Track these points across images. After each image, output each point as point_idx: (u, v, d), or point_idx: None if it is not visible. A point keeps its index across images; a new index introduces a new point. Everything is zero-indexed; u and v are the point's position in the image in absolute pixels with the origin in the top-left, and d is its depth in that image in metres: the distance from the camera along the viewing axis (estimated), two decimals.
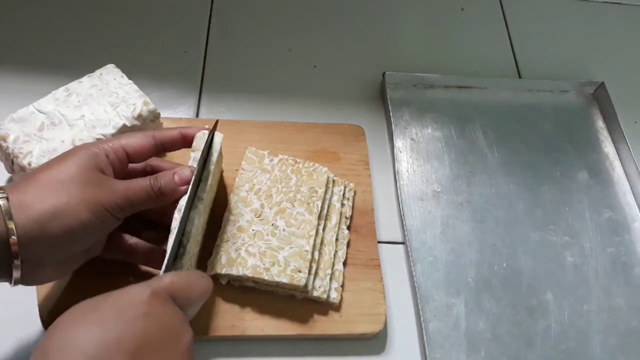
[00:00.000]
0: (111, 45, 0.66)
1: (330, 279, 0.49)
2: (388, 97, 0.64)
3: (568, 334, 0.53)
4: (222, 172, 0.54)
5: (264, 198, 0.51)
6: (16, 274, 0.37)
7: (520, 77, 0.71)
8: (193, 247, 0.43)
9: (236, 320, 0.47)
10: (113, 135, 0.50)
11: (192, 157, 0.44)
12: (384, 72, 0.66)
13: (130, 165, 0.44)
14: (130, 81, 0.53)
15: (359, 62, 0.70)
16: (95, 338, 0.30)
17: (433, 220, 0.58)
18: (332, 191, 0.54)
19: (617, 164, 0.65)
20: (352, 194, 0.56)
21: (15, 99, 0.54)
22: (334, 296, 0.49)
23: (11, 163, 0.49)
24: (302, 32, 0.71)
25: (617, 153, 0.66)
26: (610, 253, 0.58)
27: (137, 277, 0.45)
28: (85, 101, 0.51)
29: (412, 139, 0.64)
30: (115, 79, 0.53)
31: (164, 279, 0.36)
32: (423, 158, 0.62)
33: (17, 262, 0.36)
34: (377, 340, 0.50)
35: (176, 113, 0.62)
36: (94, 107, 0.51)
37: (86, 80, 0.53)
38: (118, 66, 0.54)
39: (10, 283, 0.38)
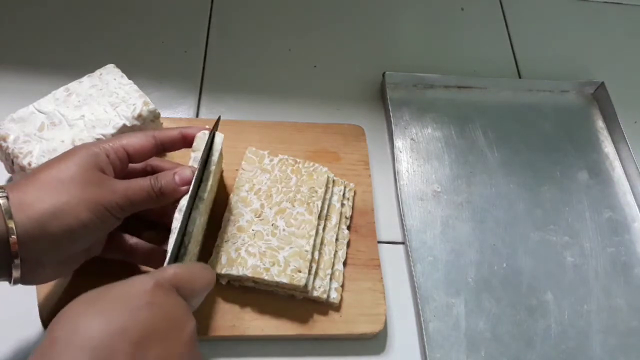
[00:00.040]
0: (111, 45, 0.66)
1: (330, 279, 0.49)
2: (388, 97, 0.64)
3: (568, 334, 0.53)
4: (222, 172, 0.54)
5: (264, 198, 0.51)
6: (16, 273, 0.37)
7: (520, 77, 0.71)
8: (193, 247, 0.43)
9: (236, 320, 0.47)
10: (113, 135, 0.50)
11: (193, 157, 0.44)
12: (384, 72, 0.66)
13: (131, 165, 0.44)
14: (130, 81, 0.53)
15: (359, 62, 0.70)
16: (100, 327, 0.31)
17: (433, 220, 0.58)
18: (332, 191, 0.54)
19: (617, 164, 0.65)
20: (352, 194, 0.56)
21: (15, 99, 0.54)
22: (334, 296, 0.49)
23: (11, 163, 0.49)
24: (302, 32, 0.71)
25: (617, 153, 0.66)
26: (610, 253, 0.58)
27: None
28: (85, 101, 0.51)
29: (412, 139, 0.64)
30: (115, 79, 0.53)
31: (168, 270, 0.36)
32: (423, 158, 0.62)
33: (16, 261, 0.36)
34: (377, 340, 0.50)
35: (176, 113, 0.62)
36: (94, 107, 0.51)
37: (86, 80, 0.53)
38: (118, 66, 0.54)
39: (10, 282, 0.38)
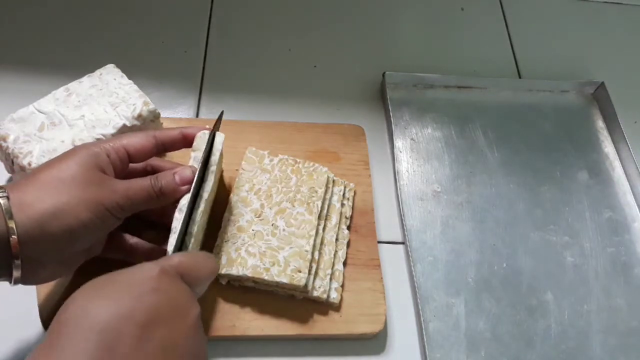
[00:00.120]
0: (111, 45, 0.66)
1: (330, 279, 0.49)
2: (388, 97, 0.64)
3: (568, 334, 0.53)
4: (222, 172, 0.54)
5: (264, 198, 0.51)
6: (16, 273, 0.37)
7: (520, 77, 0.71)
8: (194, 247, 0.43)
9: (236, 320, 0.47)
10: (113, 135, 0.50)
11: (193, 156, 0.44)
12: (384, 72, 0.66)
13: (131, 165, 0.44)
14: (130, 81, 0.53)
15: (359, 62, 0.70)
16: (107, 310, 0.32)
17: (433, 220, 0.58)
18: (332, 191, 0.54)
19: (617, 164, 0.65)
20: (352, 194, 0.56)
21: (15, 99, 0.54)
22: (334, 296, 0.49)
23: (11, 163, 0.49)
24: (302, 32, 0.71)
25: (617, 153, 0.66)
26: (610, 253, 0.58)
27: None
28: (85, 101, 0.51)
29: (412, 139, 0.64)
30: (115, 79, 0.53)
31: (173, 258, 0.37)
32: (423, 158, 0.62)
33: (17, 261, 0.36)
34: (377, 340, 0.50)
35: (176, 113, 0.62)
36: (94, 107, 0.51)
37: (86, 80, 0.53)
38: (118, 66, 0.54)
39: (11, 282, 0.38)
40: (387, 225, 0.57)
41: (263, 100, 0.64)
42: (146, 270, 0.35)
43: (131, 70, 0.54)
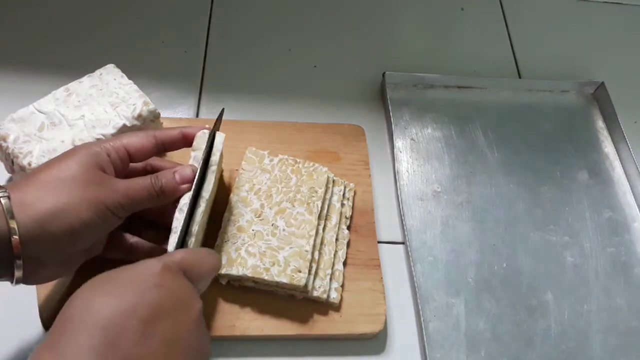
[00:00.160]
0: (111, 45, 0.66)
1: (330, 279, 0.49)
2: (388, 97, 0.64)
3: (568, 334, 0.53)
4: (222, 171, 0.54)
5: (264, 198, 0.51)
6: (18, 273, 0.37)
7: (520, 77, 0.71)
8: (195, 245, 0.43)
9: (236, 320, 0.47)
10: (113, 135, 0.50)
11: (193, 156, 0.45)
12: (384, 72, 0.66)
13: (131, 165, 0.44)
14: (130, 81, 0.53)
15: (359, 62, 0.70)
16: (111, 306, 0.32)
17: (433, 220, 0.58)
18: (332, 191, 0.54)
19: (617, 164, 0.65)
20: (352, 194, 0.56)
21: (15, 99, 0.54)
22: (334, 296, 0.49)
23: (11, 163, 0.49)
24: (302, 32, 0.71)
25: (617, 153, 0.66)
26: (610, 253, 0.58)
27: None
28: (85, 101, 0.51)
29: (412, 139, 0.64)
30: (115, 79, 0.53)
31: (176, 254, 0.38)
32: (423, 158, 0.62)
33: (19, 261, 0.36)
34: (377, 340, 0.50)
35: (176, 113, 0.62)
36: (94, 107, 0.51)
37: (86, 80, 0.53)
38: (118, 66, 0.54)
39: (12, 282, 0.38)
40: (387, 225, 0.57)
41: (263, 100, 0.64)
42: (149, 267, 0.35)
43: (131, 70, 0.54)
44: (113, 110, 0.51)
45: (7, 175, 0.52)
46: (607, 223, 0.60)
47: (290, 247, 0.48)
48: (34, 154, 0.47)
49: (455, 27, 0.76)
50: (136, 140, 0.43)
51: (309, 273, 0.47)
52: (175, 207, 0.42)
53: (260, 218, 0.50)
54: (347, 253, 0.52)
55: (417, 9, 0.77)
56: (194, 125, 0.46)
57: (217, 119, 0.48)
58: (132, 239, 0.46)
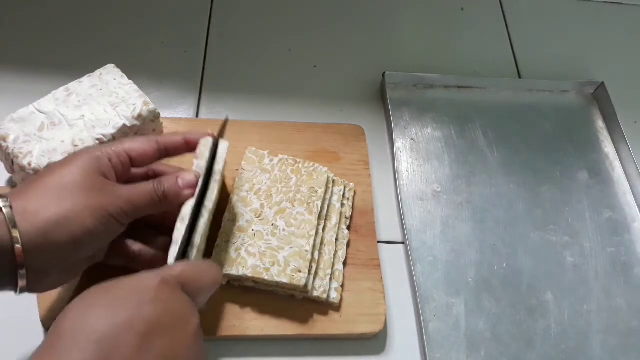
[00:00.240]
0: (111, 45, 0.66)
1: (330, 279, 0.49)
2: (388, 97, 0.64)
3: (568, 334, 0.53)
4: (224, 178, 0.54)
5: (264, 198, 0.51)
6: (21, 282, 0.36)
7: (520, 77, 0.71)
8: (197, 257, 0.42)
9: (236, 320, 0.47)
10: (113, 135, 0.50)
11: (196, 164, 0.44)
12: (384, 72, 0.66)
13: (132, 170, 0.43)
14: (130, 81, 0.53)
15: (359, 62, 0.70)
16: (106, 320, 0.32)
17: (433, 220, 0.58)
18: (332, 191, 0.54)
19: (617, 164, 0.65)
20: (352, 194, 0.56)
21: (15, 99, 0.54)
22: (334, 296, 0.49)
23: (11, 163, 0.49)
24: (302, 32, 0.71)
25: (617, 153, 0.66)
26: (610, 253, 0.58)
27: None
28: (85, 101, 0.51)
29: (412, 139, 0.64)
30: (115, 79, 0.53)
31: (175, 267, 0.37)
32: (423, 158, 0.62)
33: (22, 271, 0.36)
34: (377, 340, 0.50)
35: (176, 113, 0.62)
36: (94, 107, 0.51)
37: (86, 80, 0.53)
38: (118, 66, 0.54)
39: (16, 292, 0.37)
40: (387, 225, 0.57)
41: (263, 100, 0.64)
42: (146, 280, 0.35)
43: (131, 70, 0.54)
44: (113, 110, 0.51)
45: (7, 175, 0.52)
46: (607, 223, 0.60)
47: (290, 247, 0.48)
48: (34, 154, 0.47)
49: (455, 27, 0.76)
50: (138, 145, 0.42)
51: (309, 273, 0.47)
52: (179, 209, 0.42)
53: (260, 218, 0.50)
54: (347, 253, 0.52)
55: (417, 9, 0.77)
56: (197, 132, 0.45)
57: (221, 127, 0.47)
58: (135, 245, 0.45)
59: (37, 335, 0.46)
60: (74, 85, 0.52)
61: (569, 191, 0.62)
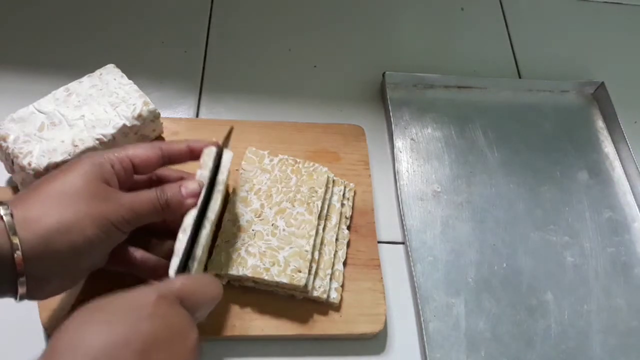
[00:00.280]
0: (111, 45, 0.66)
1: (330, 279, 0.49)
2: (388, 97, 0.64)
3: (568, 334, 0.53)
4: (227, 187, 0.53)
5: (264, 198, 0.51)
6: (21, 290, 0.36)
7: (520, 77, 0.71)
8: (198, 270, 0.42)
9: (236, 320, 0.47)
10: (113, 135, 0.50)
11: (199, 173, 0.43)
12: (384, 72, 0.66)
13: (135, 176, 0.43)
14: (130, 81, 0.53)
15: (359, 62, 0.70)
16: (103, 337, 0.31)
17: (433, 220, 0.58)
18: (332, 191, 0.54)
19: (617, 164, 0.65)
20: (352, 194, 0.56)
21: (15, 99, 0.54)
22: (334, 296, 0.49)
23: (11, 163, 0.49)
24: (302, 32, 0.71)
25: (617, 153, 0.66)
26: (610, 253, 0.58)
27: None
28: (85, 101, 0.51)
29: (412, 139, 0.64)
30: (115, 79, 0.53)
31: (175, 282, 0.37)
32: (423, 158, 0.62)
33: (22, 279, 0.35)
34: (377, 340, 0.50)
35: (176, 113, 0.62)
36: (94, 107, 0.51)
37: (86, 80, 0.53)
38: (118, 66, 0.54)
39: (16, 299, 0.37)
40: (387, 225, 0.57)
41: (263, 100, 0.64)
42: (144, 295, 0.34)
43: (131, 70, 0.54)
44: (113, 110, 0.51)
45: (7, 175, 0.52)
46: (607, 223, 0.60)
47: (290, 247, 0.48)
48: (34, 154, 0.47)
49: (455, 27, 0.76)
50: (141, 152, 0.42)
51: (309, 273, 0.47)
52: (181, 217, 0.41)
53: (260, 218, 0.50)
54: (347, 253, 0.52)
55: (417, 9, 0.77)
56: (201, 140, 0.45)
57: (225, 137, 0.47)
58: (136, 252, 0.44)
59: (37, 335, 0.46)
60: (74, 85, 0.52)
61: (569, 191, 0.62)
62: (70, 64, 0.62)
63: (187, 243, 0.40)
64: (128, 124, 0.51)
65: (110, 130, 0.50)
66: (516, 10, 0.78)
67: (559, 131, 0.67)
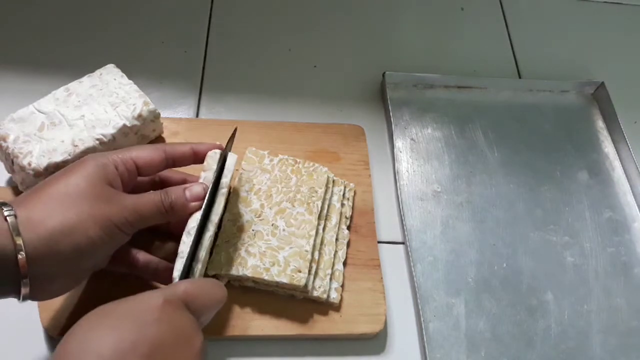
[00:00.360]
0: (111, 45, 0.66)
1: (330, 279, 0.49)
2: (388, 97, 0.64)
3: (568, 334, 0.53)
4: (230, 189, 0.53)
5: (264, 198, 0.51)
6: (25, 290, 0.36)
7: (520, 77, 0.71)
8: (202, 270, 0.42)
9: (236, 320, 0.47)
10: (113, 135, 0.50)
11: (203, 176, 0.44)
12: (384, 72, 0.66)
13: (138, 177, 0.43)
14: (130, 81, 0.53)
15: (359, 62, 0.70)
16: (110, 342, 0.32)
17: (433, 220, 0.58)
18: (332, 191, 0.54)
19: (617, 164, 0.65)
20: (352, 194, 0.56)
21: (15, 99, 0.54)
22: (334, 296, 0.49)
23: (11, 163, 0.49)
24: (302, 32, 0.71)
25: (617, 153, 0.66)
26: (610, 253, 0.58)
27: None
28: (85, 101, 0.51)
29: (412, 139, 0.64)
30: (115, 79, 0.53)
31: (179, 286, 0.37)
32: (423, 158, 0.62)
33: (25, 280, 0.36)
34: (377, 340, 0.50)
35: (176, 113, 0.62)
36: (94, 107, 0.51)
37: (86, 80, 0.53)
38: (118, 66, 0.54)
39: (19, 299, 0.37)
40: (387, 225, 0.57)
41: (263, 100, 0.64)
42: (149, 300, 0.35)
43: (131, 70, 0.54)
44: (113, 110, 0.51)
45: (7, 175, 0.52)
46: (607, 223, 0.60)
47: (290, 247, 0.48)
48: (34, 154, 0.47)
49: (455, 27, 0.76)
50: (145, 154, 0.42)
51: (309, 273, 0.47)
52: (185, 220, 0.41)
53: (260, 218, 0.50)
54: (347, 253, 0.52)
55: (417, 9, 0.77)
56: (205, 143, 0.45)
57: (229, 139, 0.47)
58: (139, 254, 0.44)
59: (37, 335, 0.46)
60: (74, 85, 0.52)
61: (569, 191, 0.62)
62: (70, 64, 0.62)
63: (192, 246, 0.40)
64: (128, 124, 0.51)
65: (110, 130, 0.50)
66: (516, 10, 0.78)
67: (559, 131, 0.67)
